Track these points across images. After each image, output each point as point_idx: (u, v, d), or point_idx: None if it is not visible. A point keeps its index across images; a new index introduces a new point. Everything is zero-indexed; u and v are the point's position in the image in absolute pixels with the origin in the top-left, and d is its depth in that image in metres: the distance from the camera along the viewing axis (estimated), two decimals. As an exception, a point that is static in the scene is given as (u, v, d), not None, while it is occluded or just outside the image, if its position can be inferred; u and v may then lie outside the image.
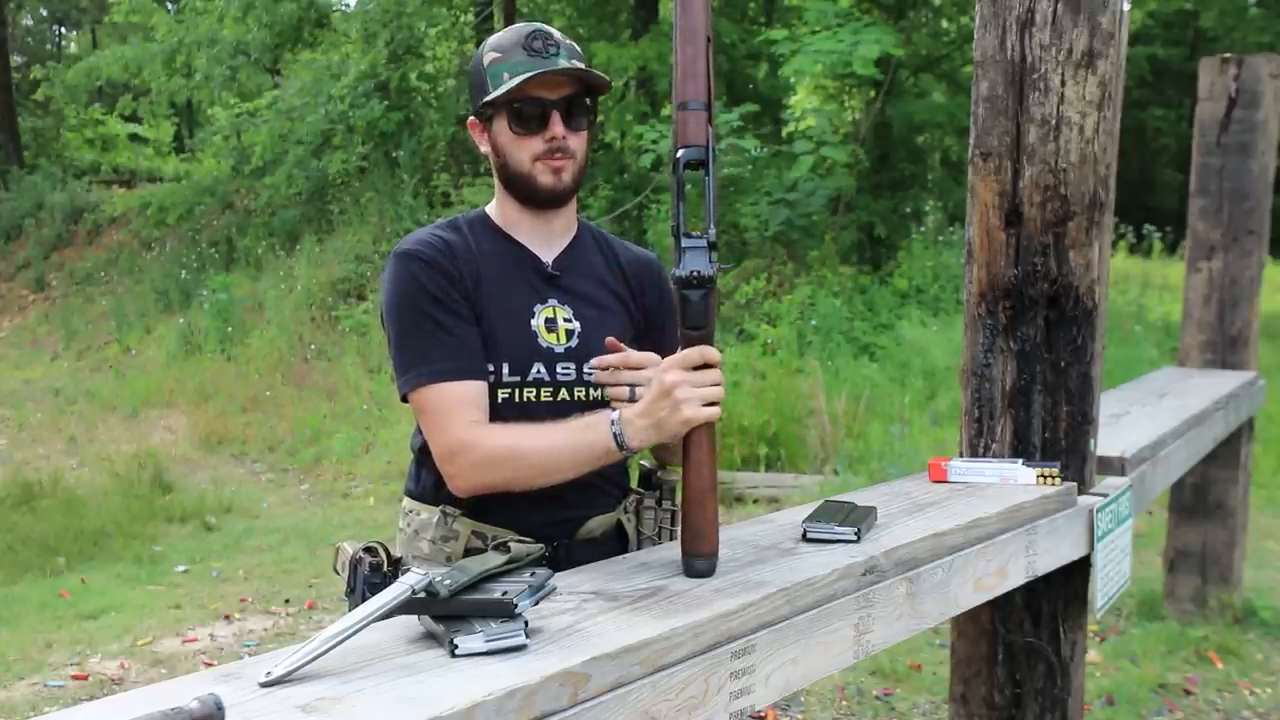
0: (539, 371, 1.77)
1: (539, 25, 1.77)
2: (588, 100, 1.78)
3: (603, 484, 1.83)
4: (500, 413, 1.74)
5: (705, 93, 1.54)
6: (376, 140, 12.92)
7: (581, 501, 1.81)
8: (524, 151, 1.76)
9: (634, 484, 1.93)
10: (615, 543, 1.87)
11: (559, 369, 1.78)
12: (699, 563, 1.54)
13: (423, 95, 13.66)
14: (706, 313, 1.52)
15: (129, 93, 17.41)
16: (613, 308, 1.85)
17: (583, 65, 1.76)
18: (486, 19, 14.60)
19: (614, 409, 1.63)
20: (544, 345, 1.77)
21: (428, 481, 1.83)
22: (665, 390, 1.53)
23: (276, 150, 13.18)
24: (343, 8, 14.91)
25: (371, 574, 1.72)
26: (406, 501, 1.87)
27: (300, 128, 13.01)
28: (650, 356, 1.70)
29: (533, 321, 1.78)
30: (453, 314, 1.72)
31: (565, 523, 1.79)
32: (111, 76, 15.47)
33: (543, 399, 1.77)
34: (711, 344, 1.54)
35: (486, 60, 1.76)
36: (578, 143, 1.77)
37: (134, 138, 22.83)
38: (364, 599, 1.65)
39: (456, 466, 1.68)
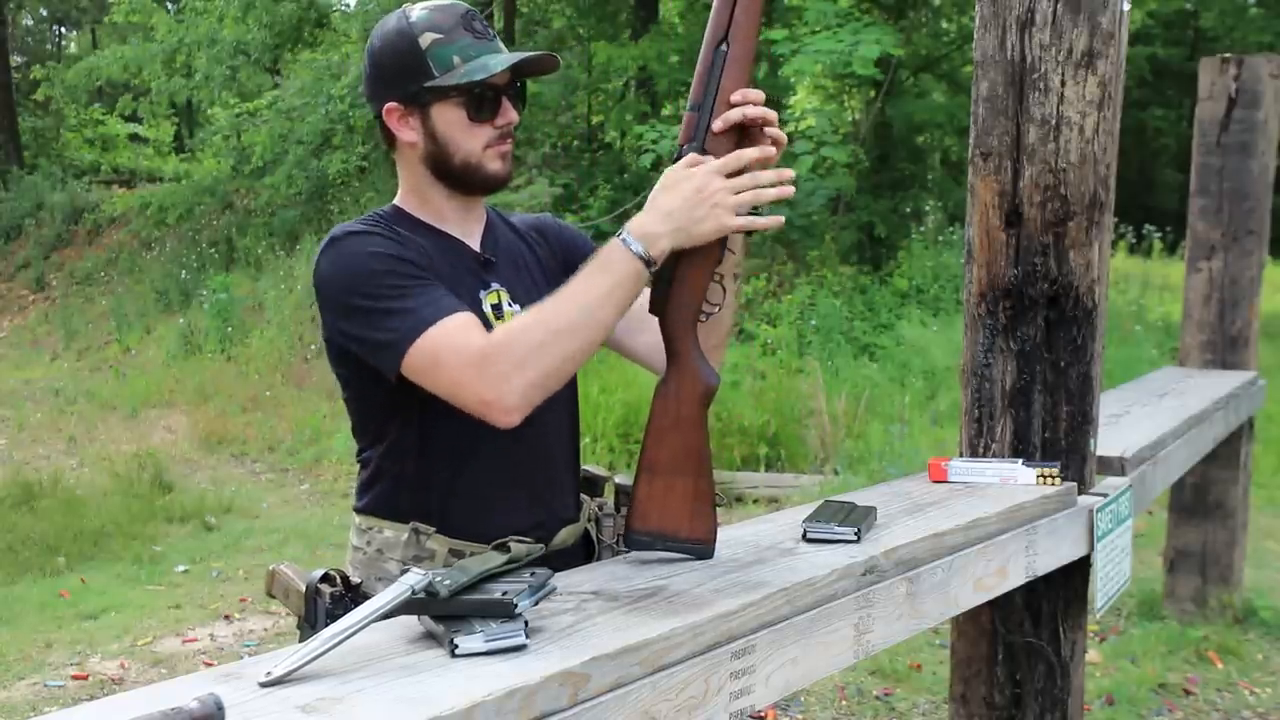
0: None
1: (465, 4, 1.70)
2: (519, 84, 1.73)
3: (571, 489, 1.81)
4: (443, 421, 1.62)
5: (699, 95, 1.55)
6: (376, 140, 12.91)
7: (553, 507, 1.76)
8: (476, 139, 1.67)
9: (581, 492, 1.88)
10: (582, 551, 1.82)
11: None
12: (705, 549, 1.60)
13: (423, 95, 13.66)
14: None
15: (129, 93, 17.42)
16: (537, 277, 1.80)
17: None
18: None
19: (620, 233, 1.52)
20: None
21: (387, 493, 1.70)
22: (707, 194, 1.48)
23: (276, 150, 13.18)
24: (343, 8, 14.92)
25: (334, 605, 1.59)
26: (361, 519, 1.73)
27: (300, 128, 13.01)
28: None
29: (483, 309, 1.70)
30: (418, 269, 1.59)
31: (538, 527, 1.71)
32: (111, 76, 15.47)
33: None
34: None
35: (424, 41, 1.64)
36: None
37: (134, 138, 22.84)
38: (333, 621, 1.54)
39: (491, 380, 1.47)
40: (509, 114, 1.68)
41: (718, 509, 1.65)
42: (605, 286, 1.48)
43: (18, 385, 11.75)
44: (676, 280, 1.56)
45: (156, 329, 12.72)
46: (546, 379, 1.49)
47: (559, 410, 1.74)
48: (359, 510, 1.76)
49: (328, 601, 1.59)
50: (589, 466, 1.90)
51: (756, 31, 1.57)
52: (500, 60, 1.65)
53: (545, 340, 1.47)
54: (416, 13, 1.66)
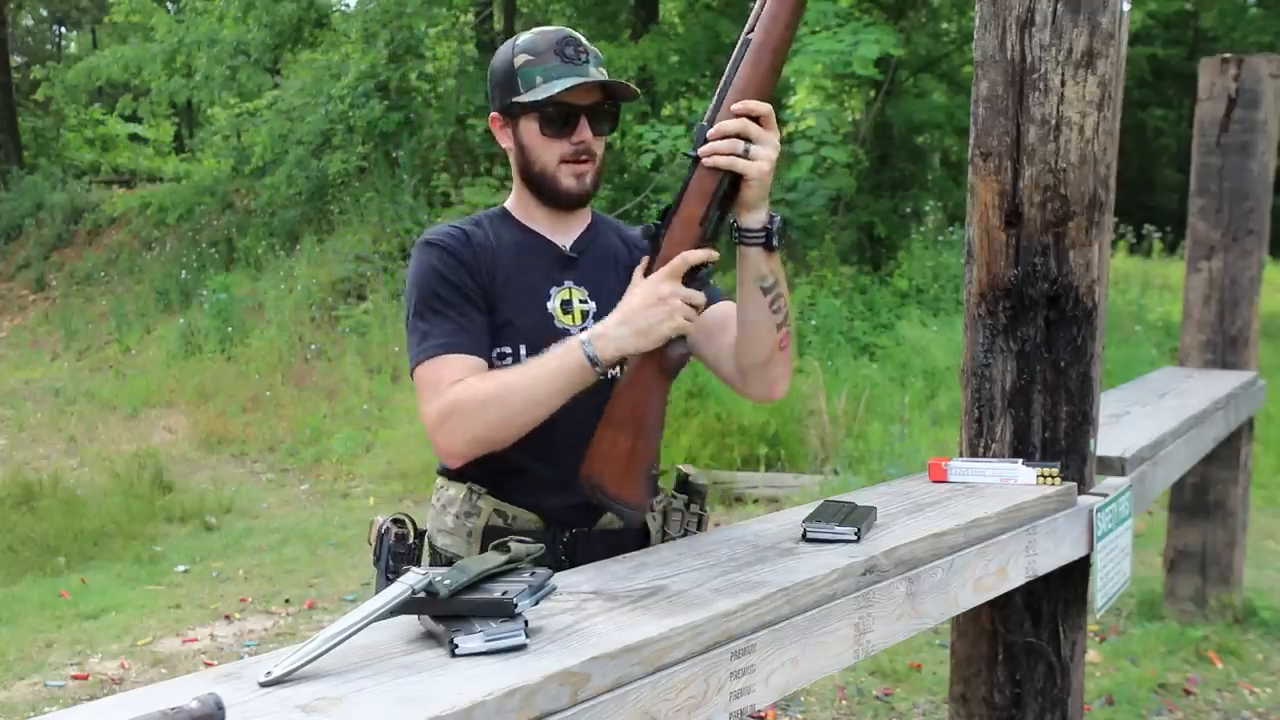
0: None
1: (570, 31, 1.85)
2: (608, 106, 1.85)
3: None
4: None
5: (723, 80, 1.67)
6: (376, 140, 12.91)
7: None
8: (551, 153, 1.83)
9: (672, 488, 1.95)
10: (635, 537, 1.86)
11: None
12: (624, 510, 1.68)
13: (423, 95, 13.65)
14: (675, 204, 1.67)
15: (129, 93, 17.39)
16: (624, 282, 1.86)
17: (605, 75, 1.85)
18: (486, 19, 14.59)
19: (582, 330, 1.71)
20: (560, 326, 1.83)
21: None
22: (661, 298, 1.63)
23: (276, 150, 13.17)
24: (343, 8, 14.90)
25: (397, 544, 1.82)
26: (439, 479, 1.93)
27: (300, 128, 13.00)
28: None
29: (549, 304, 1.84)
30: (463, 298, 1.78)
31: (588, 508, 1.80)
32: (111, 76, 15.45)
33: None
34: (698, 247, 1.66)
35: (518, 61, 1.81)
36: (600, 147, 1.87)
37: (134, 138, 22.82)
38: (388, 568, 1.82)
39: (444, 430, 1.71)
40: (583, 133, 1.82)
41: (709, 510, 1.80)
42: (551, 369, 1.67)
43: (18, 385, 11.75)
44: (657, 252, 1.69)
45: (156, 329, 12.71)
46: (487, 433, 1.69)
47: (600, 389, 1.81)
48: (438, 472, 1.94)
49: (392, 540, 1.80)
50: (685, 466, 1.99)
51: (787, 23, 1.65)
52: (565, 83, 1.77)
53: (488, 402, 1.68)
54: (523, 37, 1.85)
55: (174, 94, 15.53)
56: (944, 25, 14.61)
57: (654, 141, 10.37)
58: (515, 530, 1.83)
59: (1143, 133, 20.40)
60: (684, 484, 1.95)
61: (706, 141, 1.64)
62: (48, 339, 13.83)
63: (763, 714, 3.56)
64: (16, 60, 23.56)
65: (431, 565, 1.88)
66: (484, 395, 1.68)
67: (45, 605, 5.18)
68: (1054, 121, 2.13)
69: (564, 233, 1.91)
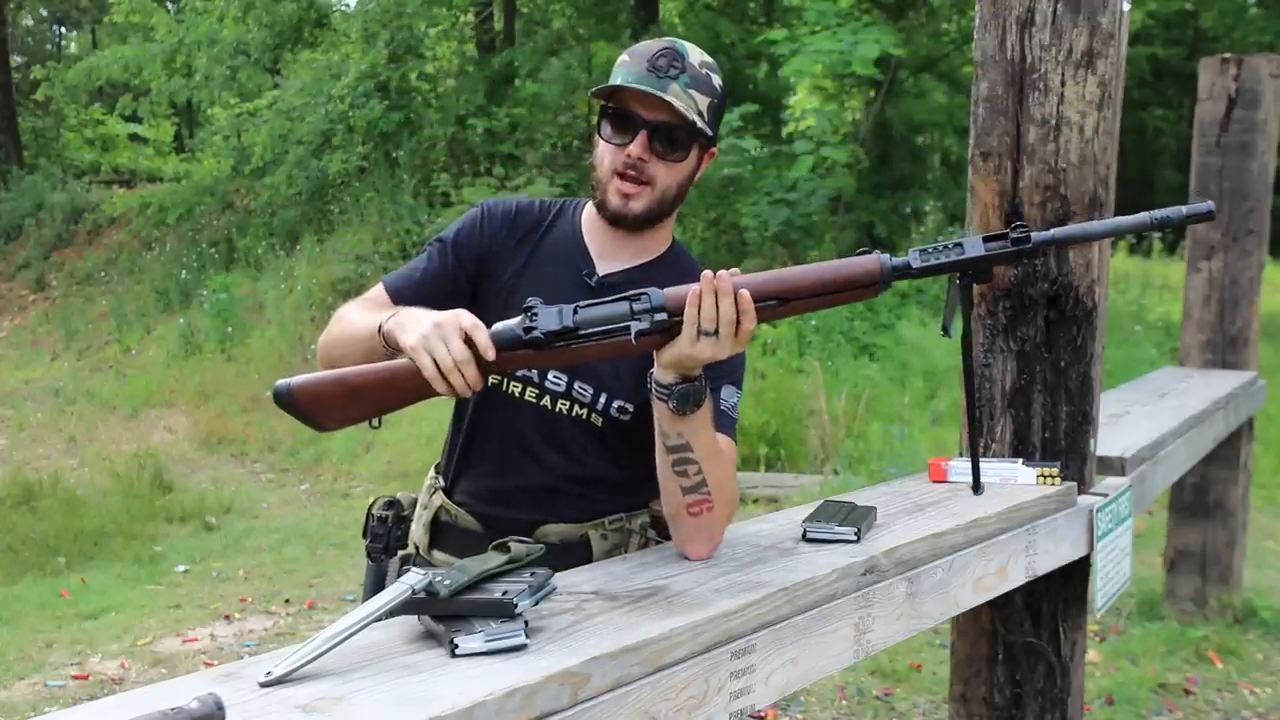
0: (528, 370, 1.74)
1: (677, 44, 1.71)
2: (678, 133, 1.69)
3: (575, 494, 1.79)
4: (487, 399, 1.76)
5: (720, 314, 1.54)
6: (376, 140, 12.92)
7: (543, 506, 1.78)
8: (608, 160, 1.71)
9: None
10: (576, 556, 1.77)
11: (550, 376, 1.75)
12: None
13: (423, 95, 13.66)
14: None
15: (129, 93, 17.40)
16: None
17: (696, 102, 1.68)
18: (486, 19, 14.60)
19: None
20: None
21: (443, 445, 1.94)
22: (438, 324, 1.51)
23: (276, 150, 13.18)
24: (343, 8, 14.91)
25: (378, 525, 1.90)
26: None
27: (300, 128, 13.01)
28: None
29: None
30: (444, 257, 1.79)
31: (520, 523, 1.74)
32: (111, 76, 15.46)
33: (528, 398, 1.77)
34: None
35: (617, 60, 1.72)
36: (663, 172, 1.70)
37: (134, 138, 22.81)
38: (369, 550, 1.90)
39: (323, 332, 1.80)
40: (636, 147, 1.67)
41: None
42: (369, 323, 1.63)
43: (18, 385, 11.75)
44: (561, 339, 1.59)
45: (156, 329, 12.71)
46: (326, 348, 1.75)
47: (569, 432, 1.78)
48: None
49: (374, 521, 1.91)
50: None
51: (792, 311, 1.58)
52: (621, 80, 1.66)
53: (338, 320, 1.75)
54: (642, 43, 1.74)
55: (174, 94, 15.55)
56: (944, 25, 14.62)
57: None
58: (458, 529, 1.85)
59: (1143, 133, 20.39)
60: (653, 518, 1.85)
61: (670, 313, 1.50)
62: (48, 339, 13.82)
63: (763, 714, 3.56)
64: (16, 60, 23.55)
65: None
66: (342, 317, 1.74)
67: (45, 605, 5.18)
68: (1054, 121, 2.13)
69: (612, 257, 1.77)
